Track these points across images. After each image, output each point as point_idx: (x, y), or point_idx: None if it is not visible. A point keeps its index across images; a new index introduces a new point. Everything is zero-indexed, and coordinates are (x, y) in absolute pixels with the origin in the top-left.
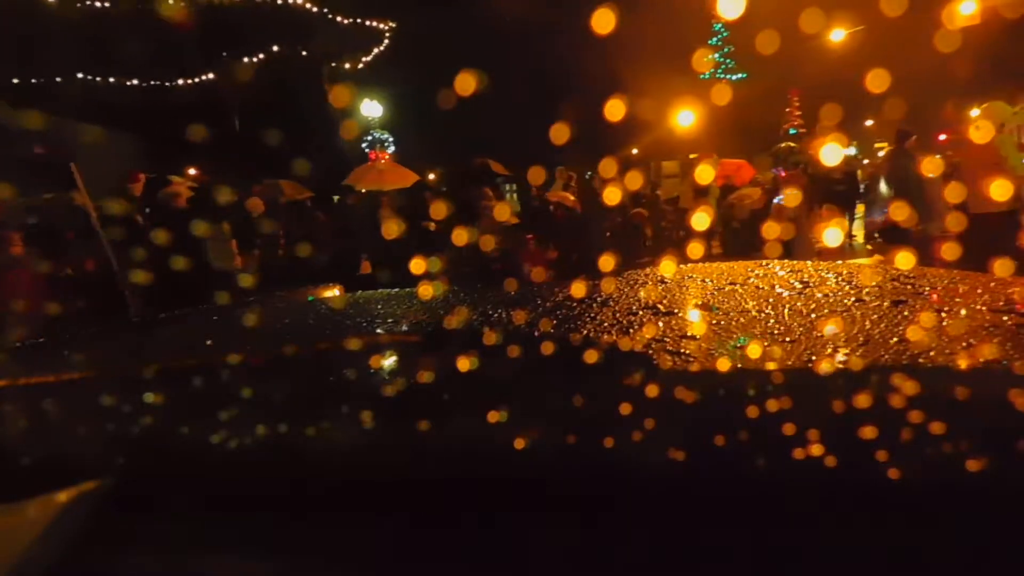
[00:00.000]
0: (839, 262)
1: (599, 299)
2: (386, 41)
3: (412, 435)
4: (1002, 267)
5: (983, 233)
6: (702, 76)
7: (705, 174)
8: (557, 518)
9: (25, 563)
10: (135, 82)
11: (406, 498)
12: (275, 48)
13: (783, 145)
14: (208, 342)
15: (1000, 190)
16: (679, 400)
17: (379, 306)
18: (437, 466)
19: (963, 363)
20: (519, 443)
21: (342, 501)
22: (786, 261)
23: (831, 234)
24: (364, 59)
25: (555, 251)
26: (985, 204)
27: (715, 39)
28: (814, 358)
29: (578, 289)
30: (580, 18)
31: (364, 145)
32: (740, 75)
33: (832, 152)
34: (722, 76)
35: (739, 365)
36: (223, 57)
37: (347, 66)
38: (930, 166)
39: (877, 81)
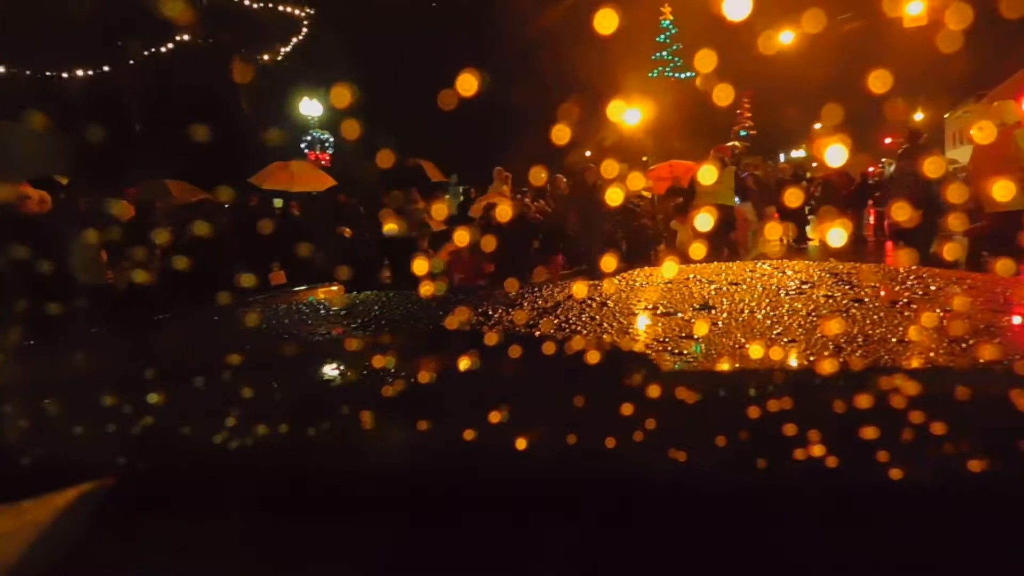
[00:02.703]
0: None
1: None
2: (305, 30)
3: (409, 435)
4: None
5: (1002, 231)
6: (650, 75)
7: (708, 174)
8: (555, 520)
9: (26, 563)
10: (23, 72)
11: (406, 499)
12: (176, 36)
13: (728, 145)
14: None
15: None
16: (657, 401)
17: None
18: (435, 467)
19: (963, 363)
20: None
21: (341, 501)
22: (783, 261)
23: (835, 234)
24: (283, 50)
25: (491, 262)
26: (1000, 203)
27: (663, 36)
28: (812, 358)
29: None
30: (529, 15)
31: (303, 145)
32: (689, 74)
33: (836, 153)
34: (670, 75)
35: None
36: (117, 46)
37: (265, 57)
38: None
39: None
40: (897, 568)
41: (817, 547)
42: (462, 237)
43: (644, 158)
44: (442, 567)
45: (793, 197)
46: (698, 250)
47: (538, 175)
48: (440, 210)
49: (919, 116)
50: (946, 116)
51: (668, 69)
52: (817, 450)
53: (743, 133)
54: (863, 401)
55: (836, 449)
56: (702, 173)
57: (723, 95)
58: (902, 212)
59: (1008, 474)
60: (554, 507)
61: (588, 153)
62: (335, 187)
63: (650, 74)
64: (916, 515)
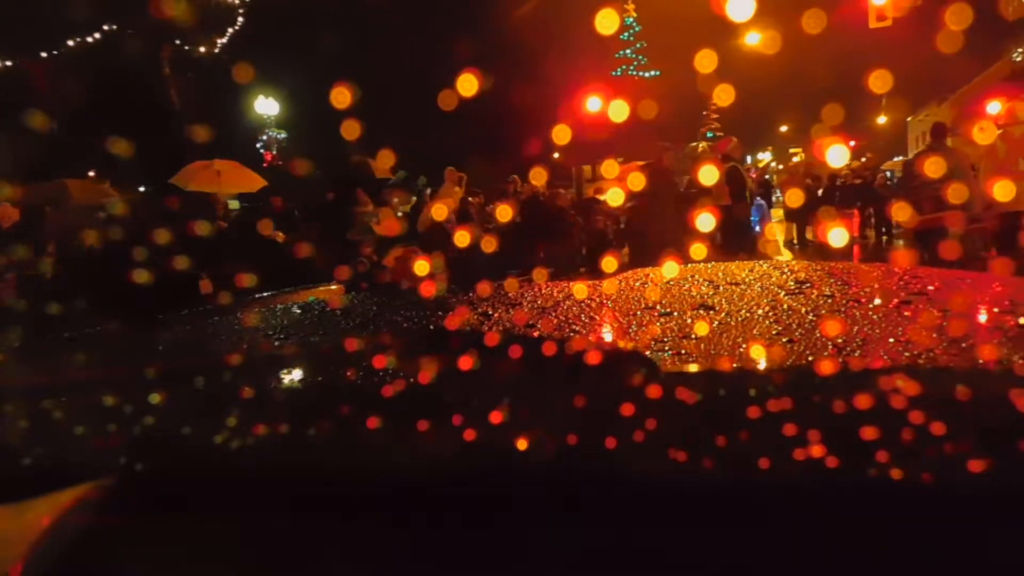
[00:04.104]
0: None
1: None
2: (240, 20)
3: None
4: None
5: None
6: (613, 73)
7: (709, 174)
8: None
9: (26, 563)
10: None
11: (407, 499)
12: (104, 26)
13: (692, 145)
14: None
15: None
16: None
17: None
18: (435, 467)
19: (963, 363)
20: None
21: (342, 502)
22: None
23: (836, 234)
24: (219, 41)
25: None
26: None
27: (627, 34)
28: (812, 358)
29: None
30: (486, 10)
31: (259, 145)
32: (653, 72)
33: (837, 153)
34: (634, 73)
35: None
36: (31, 37)
37: (202, 50)
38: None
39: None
40: (897, 568)
41: (817, 547)
42: (463, 238)
43: (617, 160)
44: (442, 567)
45: (794, 197)
46: (699, 250)
47: (539, 175)
48: (440, 211)
49: (882, 119)
50: (909, 119)
51: (632, 67)
52: (817, 450)
53: (710, 135)
54: (863, 401)
55: (836, 449)
56: (702, 173)
57: (724, 95)
58: (902, 212)
59: (1008, 474)
60: (554, 507)
61: (556, 155)
62: (267, 188)
63: (613, 72)
64: (916, 515)
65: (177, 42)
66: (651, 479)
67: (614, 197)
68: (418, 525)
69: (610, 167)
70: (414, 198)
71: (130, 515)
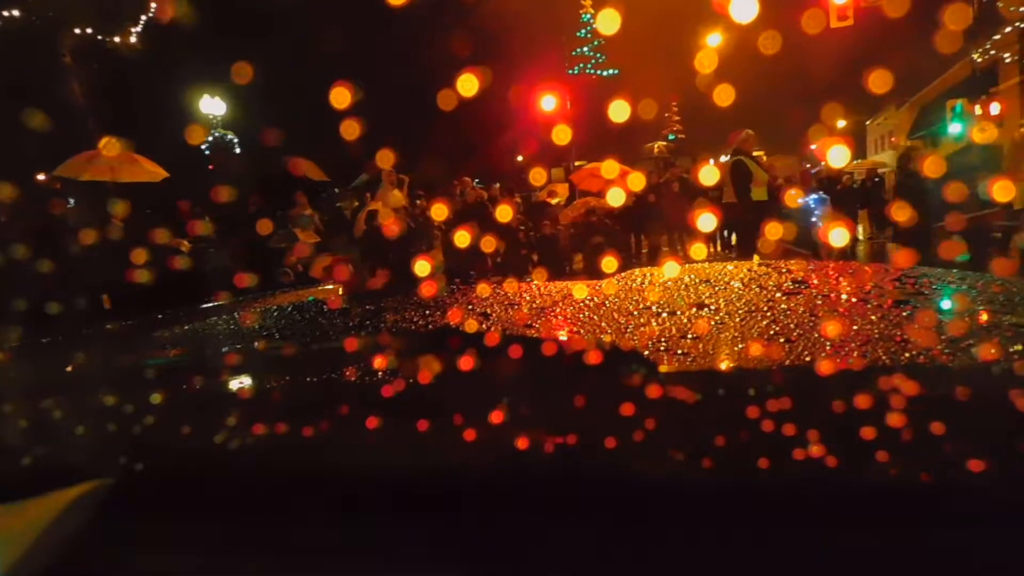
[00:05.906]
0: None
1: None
2: (154, 6)
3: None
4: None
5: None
6: (570, 71)
7: (711, 175)
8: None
9: (25, 563)
10: None
11: (406, 498)
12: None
13: (648, 145)
14: None
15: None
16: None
17: None
18: (435, 467)
19: (963, 363)
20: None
21: (342, 501)
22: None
23: (836, 234)
24: (133, 29)
25: (381, 276)
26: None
27: (584, 31)
28: (810, 358)
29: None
30: (439, 8)
31: (204, 147)
32: (612, 71)
33: (839, 153)
34: (592, 71)
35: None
36: None
37: (117, 39)
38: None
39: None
40: (897, 568)
41: (817, 547)
42: (463, 238)
43: (578, 163)
44: (442, 567)
45: (792, 197)
46: (699, 250)
47: (539, 176)
48: (440, 210)
49: (842, 123)
50: (868, 122)
51: (589, 65)
52: (817, 450)
53: (671, 136)
54: (863, 401)
55: (836, 449)
56: (702, 173)
57: (724, 95)
58: (902, 213)
59: (1008, 474)
60: (554, 507)
61: (520, 158)
62: (169, 180)
63: (570, 71)
64: (916, 515)
65: (88, 30)
66: (651, 479)
67: (615, 197)
68: (418, 525)
69: (610, 166)
70: (356, 202)
71: (130, 515)
